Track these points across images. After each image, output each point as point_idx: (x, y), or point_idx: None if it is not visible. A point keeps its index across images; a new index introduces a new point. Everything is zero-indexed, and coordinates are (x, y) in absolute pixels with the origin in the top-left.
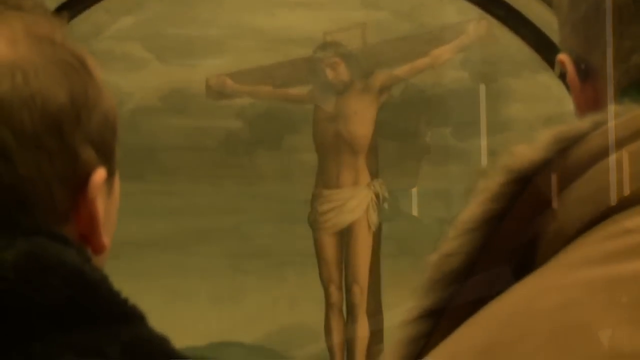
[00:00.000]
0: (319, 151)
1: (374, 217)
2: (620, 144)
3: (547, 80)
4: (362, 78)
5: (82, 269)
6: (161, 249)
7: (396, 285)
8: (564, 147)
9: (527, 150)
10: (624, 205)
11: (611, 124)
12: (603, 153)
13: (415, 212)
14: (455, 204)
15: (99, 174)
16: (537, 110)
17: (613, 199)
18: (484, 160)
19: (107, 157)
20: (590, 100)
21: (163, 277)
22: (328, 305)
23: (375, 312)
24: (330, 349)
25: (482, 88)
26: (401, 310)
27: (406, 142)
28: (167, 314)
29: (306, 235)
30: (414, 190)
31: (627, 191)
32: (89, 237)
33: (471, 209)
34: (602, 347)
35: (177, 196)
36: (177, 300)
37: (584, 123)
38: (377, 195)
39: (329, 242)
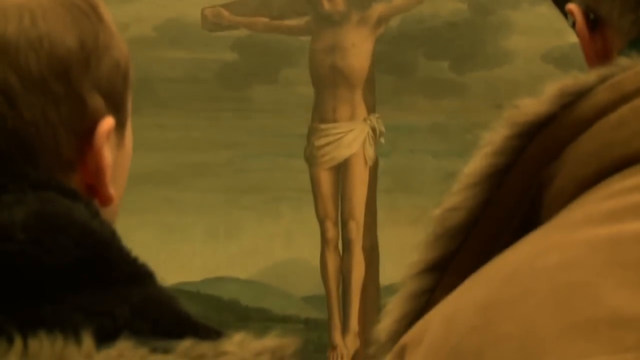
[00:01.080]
0: (316, 84)
1: (370, 152)
2: (626, 99)
3: (547, 11)
4: (359, 9)
5: (92, 229)
6: (156, 184)
7: (392, 220)
8: (570, 101)
9: (532, 104)
10: (628, 162)
11: (617, 78)
12: (608, 108)
13: (412, 147)
14: (452, 138)
15: (107, 123)
16: (537, 42)
17: (617, 156)
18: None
19: (117, 107)
20: (599, 51)
21: (158, 212)
22: (324, 240)
23: (371, 248)
24: (325, 284)
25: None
26: (397, 245)
27: (403, 75)
28: (162, 249)
29: (302, 170)
30: (411, 125)
31: (631, 148)
32: (96, 188)
33: (475, 163)
34: (601, 309)
35: (172, 129)
36: (172, 235)
37: (590, 77)
38: (373, 130)
39: (325, 177)
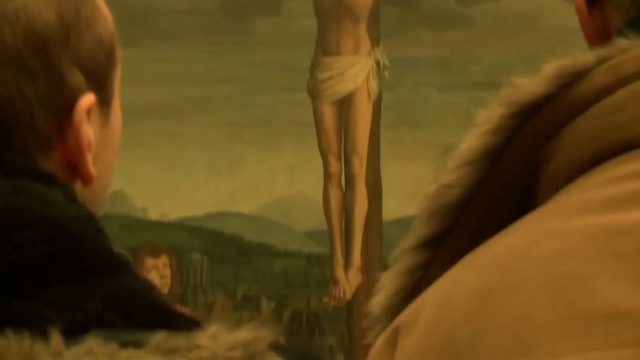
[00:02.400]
0: (319, 17)
1: (374, 86)
2: (624, 82)
3: None
4: None
5: (64, 220)
6: (158, 117)
7: (396, 155)
8: (568, 82)
9: (529, 83)
10: (626, 147)
11: (616, 60)
12: (607, 91)
13: (416, 81)
14: (457, 72)
15: (87, 99)
16: None
17: (614, 140)
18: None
19: (100, 84)
20: (598, 28)
21: (159, 146)
22: (327, 175)
23: (374, 182)
24: (328, 219)
25: None
26: (400, 180)
27: (408, 7)
28: (164, 184)
29: (305, 104)
30: (416, 58)
31: (629, 132)
32: (77, 166)
33: (470, 141)
34: (597, 302)
35: (173, 62)
36: (174, 170)
37: (589, 57)
38: (377, 63)
39: (329, 111)
